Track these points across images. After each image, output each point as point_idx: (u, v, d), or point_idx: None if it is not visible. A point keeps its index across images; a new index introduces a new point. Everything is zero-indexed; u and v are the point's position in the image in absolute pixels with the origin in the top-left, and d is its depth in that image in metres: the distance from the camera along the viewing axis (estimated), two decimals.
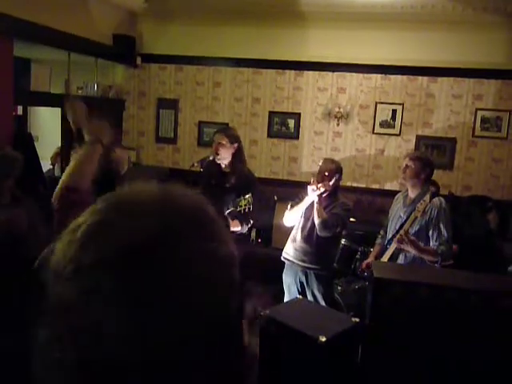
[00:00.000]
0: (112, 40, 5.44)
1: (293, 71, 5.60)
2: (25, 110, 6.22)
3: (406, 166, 3.27)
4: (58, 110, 5.06)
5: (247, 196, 3.03)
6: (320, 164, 3.60)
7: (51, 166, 5.52)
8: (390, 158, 5.44)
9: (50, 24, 4.29)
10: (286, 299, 3.72)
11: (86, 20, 4.90)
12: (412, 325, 2.18)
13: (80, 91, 5.56)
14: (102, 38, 5.20)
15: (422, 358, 2.19)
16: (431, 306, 2.13)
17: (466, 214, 4.68)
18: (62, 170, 5.27)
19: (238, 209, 3.01)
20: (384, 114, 5.39)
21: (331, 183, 3.48)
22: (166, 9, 5.54)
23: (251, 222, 3.31)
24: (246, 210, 3.03)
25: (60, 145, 5.34)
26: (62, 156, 5.28)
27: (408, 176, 3.27)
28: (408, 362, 2.22)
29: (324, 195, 3.49)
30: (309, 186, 3.46)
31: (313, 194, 3.44)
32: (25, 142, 4.71)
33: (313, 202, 3.46)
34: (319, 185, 3.41)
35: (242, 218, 3.19)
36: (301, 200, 3.60)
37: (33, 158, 4.28)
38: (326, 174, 3.50)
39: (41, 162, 4.59)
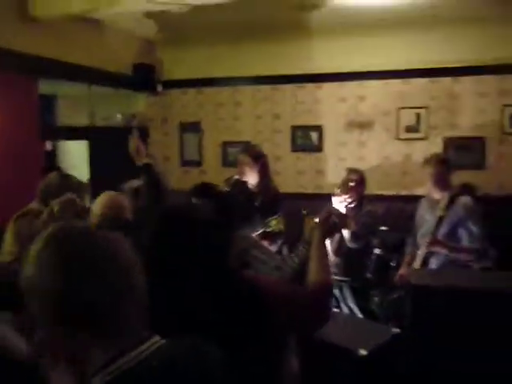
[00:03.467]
0: (132, 69, 5.56)
1: (312, 84, 5.59)
2: (54, 145, 6.39)
3: (432, 174, 3.23)
4: (83, 143, 5.17)
5: (276, 216, 3.01)
6: (344, 176, 3.56)
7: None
8: (417, 163, 5.28)
9: (71, 59, 4.42)
10: None
11: (105, 52, 5.03)
12: (456, 331, 2.09)
13: (104, 122, 5.69)
14: (122, 68, 5.32)
15: (468, 364, 2.10)
16: (474, 310, 2.04)
17: (503, 215, 4.53)
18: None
19: (268, 230, 2.98)
20: (407, 118, 5.30)
21: (357, 193, 3.44)
22: (181, 34, 5.63)
23: (279, 242, 3.27)
24: (277, 230, 3.00)
25: (88, 177, 5.44)
26: (91, 187, 5.37)
27: (434, 182, 3.23)
28: (454, 372, 2.13)
29: (351, 206, 3.43)
30: (334, 198, 3.40)
31: (339, 206, 3.38)
32: None
33: None
34: (345, 196, 3.36)
35: (271, 237, 3.15)
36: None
37: None
38: (352, 184, 3.45)
39: None
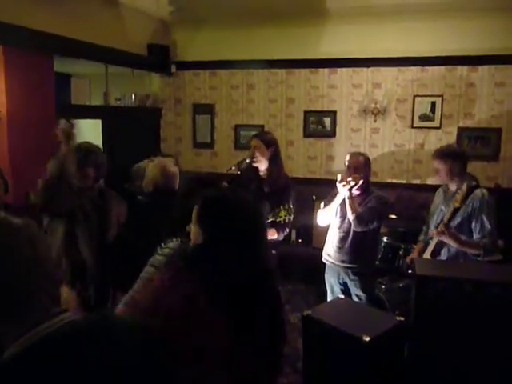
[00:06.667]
0: (147, 50, 5.56)
1: (326, 69, 5.55)
2: None
3: (437, 169, 3.19)
4: (98, 122, 5.21)
5: (287, 206, 3.03)
6: (347, 159, 3.51)
7: None
8: (430, 152, 5.23)
9: (87, 39, 4.44)
10: (329, 299, 3.68)
11: (121, 32, 5.03)
12: (457, 322, 2.11)
13: (118, 102, 5.72)
14: (137, 48, 5.33)
15: (468, 355, 2.12)
16: (476, 302, 2.06)
17: None
18: (105, 180, 5.41)
19: (278, 219, 3.00)
20: (422, 107, 5.25)
21: (361, 176, 3.40)
22: (197, 16, 5.61)
23: (287, 230, 3.30)
24: (286, 220, 3.02)
25: None
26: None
27: (442, 177, 3.19)
28: (454, 360, 2.16)
29: (356, 190, 3.41)
30: (338, 183, 3.39)
31: (343, 190, 3.37)
32: None
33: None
34: (349, 179, 3.35)
35: (280, 227, 3.17)
36: (333, 198, 3.55)
37: None
38: (355, 167, 3.42)
39: None
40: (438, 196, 3.45)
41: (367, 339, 2.34)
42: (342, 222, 3.51)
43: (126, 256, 1.66)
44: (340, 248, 3.52)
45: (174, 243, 1.97)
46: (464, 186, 2.96)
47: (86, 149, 2.93)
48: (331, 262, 3.61)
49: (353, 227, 3.38)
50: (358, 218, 3.32)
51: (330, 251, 3.62)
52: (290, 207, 3.08)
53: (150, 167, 2.97)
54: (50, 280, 1.05)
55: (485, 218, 2.99)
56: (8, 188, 2.84)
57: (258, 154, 3.39)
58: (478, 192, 3.05)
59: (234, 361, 1.38)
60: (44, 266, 1.04)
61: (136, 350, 1.08)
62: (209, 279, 1.44)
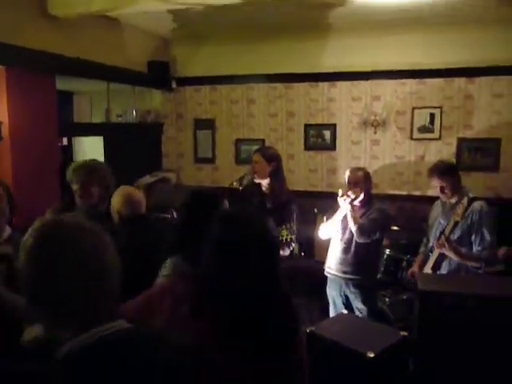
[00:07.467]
0: (147, 67, 5.61)
1: (326, 83, 5.59)
2: (69, 140, 6.48)
3: (441, 187, 3.22)
4: (100, 139, 5.25)
5: (288, 225, 3.04)
6: (347, 175, 3.56)
7: None
8: (431, 163, 5.25)
9: (89, 57, 4.48)
10: (331, 313, 3.69)
11: (121, 50, 5.08)
12: (461, 337, 2.11)
13: (120, 118, 5.76)
14: (137, 65, 5.38)
15: (472, 370, 2.12)
16: (480, 317, 2.06)
17: None
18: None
19: (280, 238, 3.01)
20: (422, 118, 5.28)
21: (362, 190, 3.44)
22: (196, 32, 5.67)
23: (292, 246, 3.31)
24: (288, 239, 3.03)
25: None
26: None
27: (448, 194, 3.22)
28: (458, 375, 2.15)
29: (358, 203, 3.44)
30: (339, 198, 3.43)
31: (345, 204, 3.41)
32: None
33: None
34: (349, 192, 3.39)
35: (282, 245, 3.18)
36: (335, 212, 3.58)
37: None
38: (355, 182, 3.46)
39: None
40: (436, 208, 3.48)
41: (371, 355, 2.34)
42: (344, 233, 3.55)
43: None
44: (343, 259, 3.54)
45: (167, 269, 1.94)
46: (465, 200, 2.98)
47: (91, 167, 2.93)
48: (333, 274, 3.63)
49: (355, 238, 3.41)
50: (360, 229, 3.36)
51: (331, 263, 3.64)
52: (291, 226, 3.10)
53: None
54: (115, 290, 1.08)
55: (485, 231, 3.01)
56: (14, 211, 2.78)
57: (258, 170, 3.41)
58: (476, 205, 3.08)
59: (220, 366, 1.38)
60: (111, 276, 1.07)
61: (162, 371, 1.09)
62: (209, 288, 1.46)
